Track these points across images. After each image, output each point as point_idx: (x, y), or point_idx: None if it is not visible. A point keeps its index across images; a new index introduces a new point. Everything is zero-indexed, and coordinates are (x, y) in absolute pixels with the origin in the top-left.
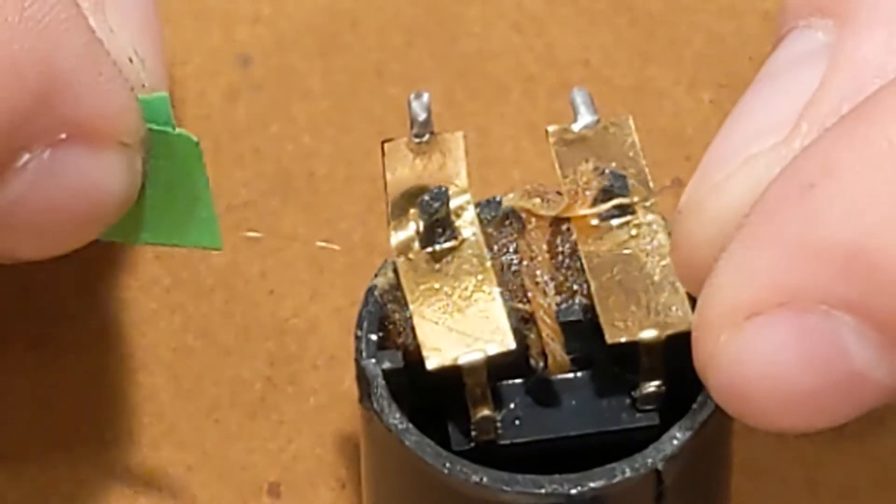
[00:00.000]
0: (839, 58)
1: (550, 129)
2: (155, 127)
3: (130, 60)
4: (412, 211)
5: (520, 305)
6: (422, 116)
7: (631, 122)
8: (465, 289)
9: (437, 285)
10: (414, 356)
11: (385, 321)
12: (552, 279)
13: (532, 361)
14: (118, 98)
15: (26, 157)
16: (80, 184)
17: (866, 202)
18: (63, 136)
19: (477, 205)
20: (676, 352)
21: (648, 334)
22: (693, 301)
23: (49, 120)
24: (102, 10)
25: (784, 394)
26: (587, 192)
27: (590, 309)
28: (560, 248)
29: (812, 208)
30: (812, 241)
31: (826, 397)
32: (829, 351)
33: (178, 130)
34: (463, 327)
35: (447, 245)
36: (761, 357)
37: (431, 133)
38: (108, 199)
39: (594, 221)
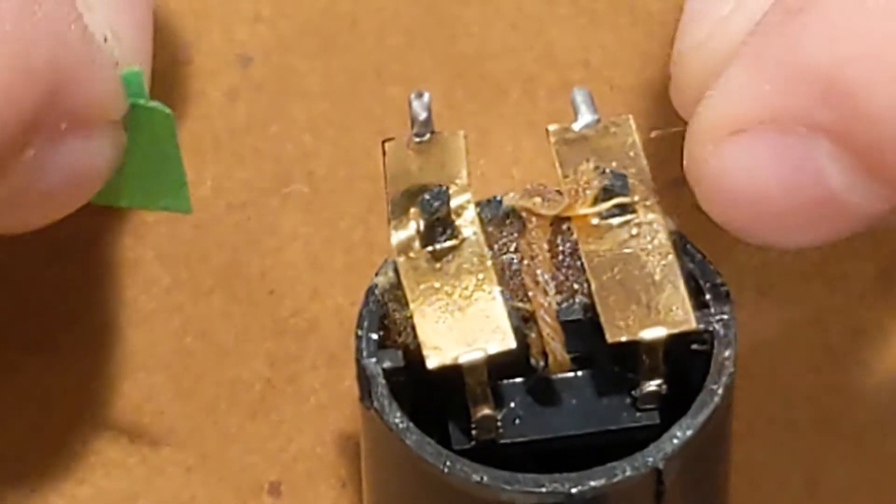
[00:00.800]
0: None
1: (551, 128)
2: (130, 100)
3: (105, 39)
4: (412, 210)
5: (520, 304)
6: (422, 116)
7: (632, 121)
8: (466, 288)
9: (437, 284)
10: (414, 355)
11: (385, 320)
12: (553, 278)
13: (532, 360)
14: (109, 82)
15: (31, 151)
16: (74, 165)
17: (847, 32)
18: (64, 125)
19: (477, 204)
20: (677, 351)
21: (649, 333)
22: (693, 300)
23: (55, 113)
24: None
25: (762, 208)
26: (587, 192)
27: (590, 308)
28: (560, 248)
29: (796, 32)
30: (793, 64)
31: (803, 216)
32: (806, 171)
33: (151, 103)
34: (463, 326)
35: (447, 244)
36: (741, 170)
37: (432, 132)
38: (97, 172)
39: (595, 221)
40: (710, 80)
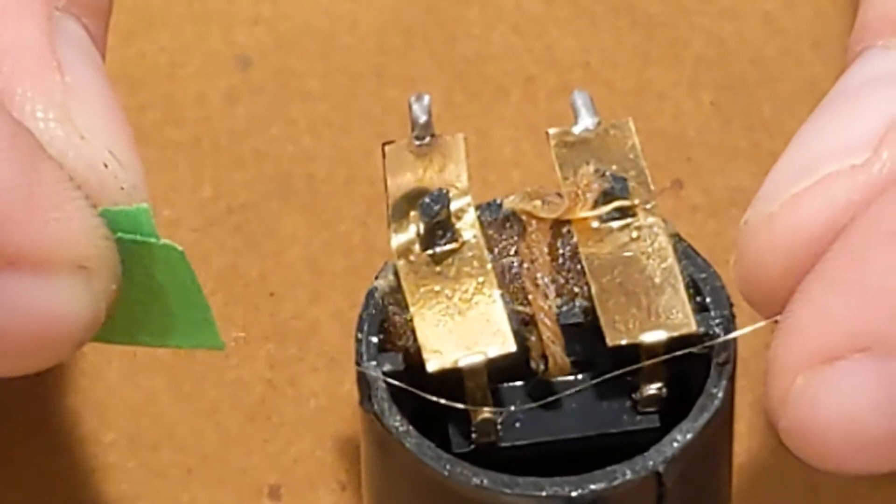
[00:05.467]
0: None
1: (551, 131)
2: (139, 238)
3: (106, 165)
4: (413, 213)
5: (520, 308)
6: (422, 119)
7: (631, 124)
8: (466, 291)
9: (437, 287)
10: (414, 358)
11: (385, 323)
12: (553, 281)
13: (532, 364)
14: (65, 227)
15: None
16: (29, 309)
17: None
18: None
19: (477, 207)
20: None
21: (649, 337)
22: (694, 303)
23: None
24: (69, 117)
25: (859, 439)
26: (588, 195)
27: (590, 311)
28: (561, 251)
29: None
30: None
31: None
32: None
33: (161, 241)
34: (463, 330)
35: (448, 247)
36: (839, 401)
37: (432, 135)
38: (67, 321)
39: (595, 224)
40: (775, 257)
